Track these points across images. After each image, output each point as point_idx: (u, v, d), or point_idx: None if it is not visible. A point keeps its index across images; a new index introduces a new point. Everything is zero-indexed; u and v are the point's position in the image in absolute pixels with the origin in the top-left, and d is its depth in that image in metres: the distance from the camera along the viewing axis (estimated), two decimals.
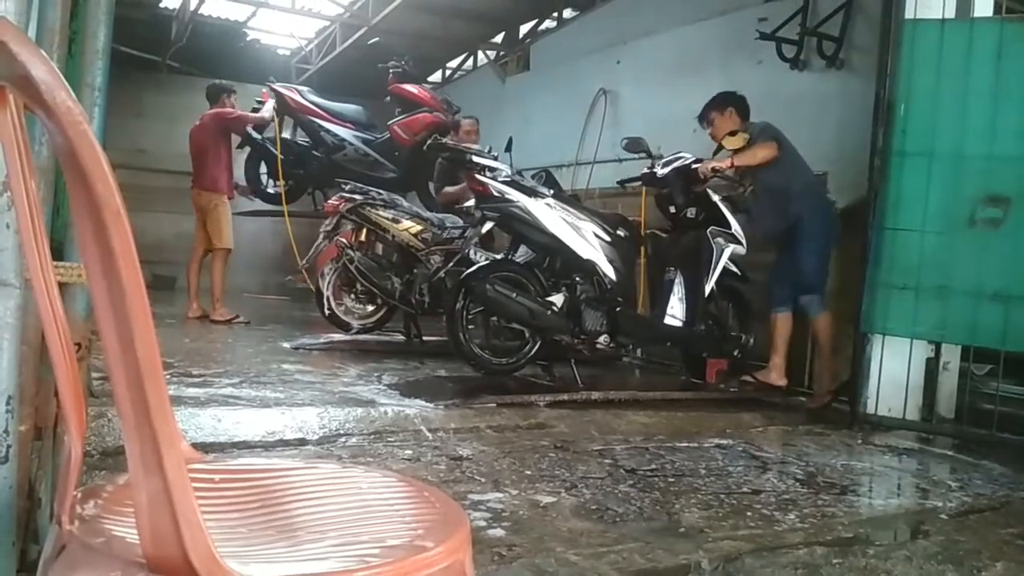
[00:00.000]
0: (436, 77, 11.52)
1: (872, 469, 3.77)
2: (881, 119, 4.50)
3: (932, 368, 4.54)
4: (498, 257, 5.34)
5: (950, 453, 4.15)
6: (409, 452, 3.35)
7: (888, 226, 4.48)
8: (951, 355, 4.57)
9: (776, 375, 4.95)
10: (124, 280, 0.72)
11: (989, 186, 4.27)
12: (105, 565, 0.86)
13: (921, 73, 4.41)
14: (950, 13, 4.40)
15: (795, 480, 3.35)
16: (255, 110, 7.27)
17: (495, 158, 5.10)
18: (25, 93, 0.78)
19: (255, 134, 7.35)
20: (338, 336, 6.21)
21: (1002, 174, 4.24)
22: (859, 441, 4.26)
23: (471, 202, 5.38)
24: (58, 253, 1.82)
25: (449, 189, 6.68)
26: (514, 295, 4.73)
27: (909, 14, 4.43)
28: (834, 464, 3.69)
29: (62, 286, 1.70)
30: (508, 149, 5.92)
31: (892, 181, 4.47)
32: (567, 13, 9.52)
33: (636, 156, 5.39)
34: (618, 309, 4.97)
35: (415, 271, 5.99)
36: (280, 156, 7.27)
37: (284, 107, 7.47)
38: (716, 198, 5.02)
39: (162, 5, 9.41)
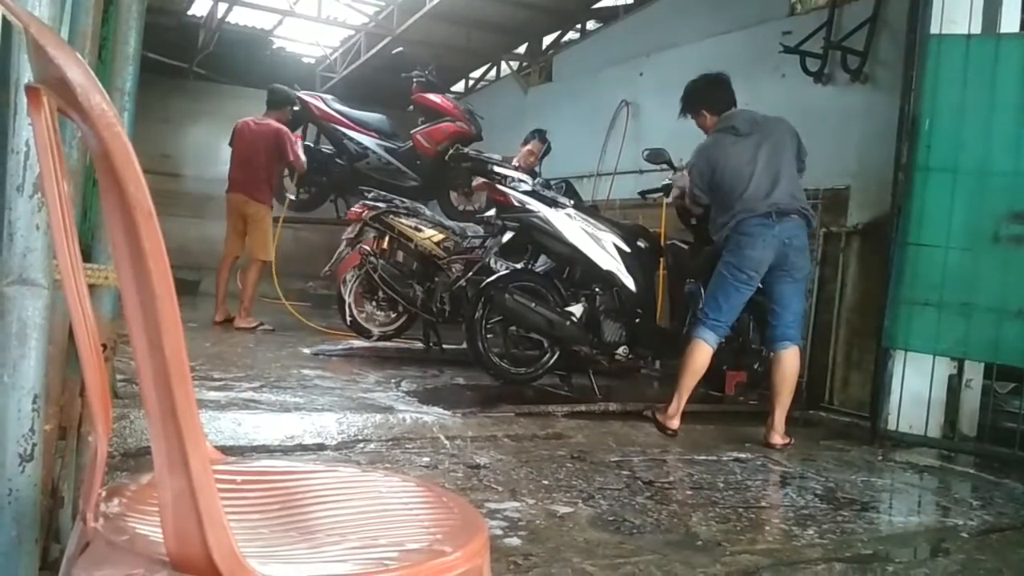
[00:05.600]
0: (459, 87, 11.57)
1: (892, 486, 3.73)
2: (905, 134, 4.47)
3: (954, 385, 4.49)
4: (518, 267, 5.34)
5: (971, 471, 4.11)
6: (427, 459, 3.36)
7: (911, 242, 4.45)
8: (974, 372, 4.51)
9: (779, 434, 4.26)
10: (154, 280, 0.73)
11: (1014, 203, 4.23)
12: (129, 562, 0.87)
13: (946, 88, 4.39)
14: (976, 29, 4.37)
15: (814, 495, 3.33)
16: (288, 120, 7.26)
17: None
18: (60, 95, 0.80)
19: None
20: (357, 343, 6.23)
21: None
22: (879, 457, 4.23)
23: (492, 211, 5.40)
24: (86, 255, 1.85)
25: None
26: (533, 305, 4.73)
27: (935, 29, 4.40)
28: (854, 480, 3.66)
29: (89, 288, 1.72)
30: (543, 157, 5.92)
31: (916, 196, 4.44)
32: (590, 25, 9.54)
33: (657, 167, 5.38)
34: (637, 320, 4.96)
35: (436, 279, 6.01)
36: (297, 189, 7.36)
37: (308, 115, 7.53)
38: None
39: (190, 13, 9.51)
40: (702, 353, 4.27)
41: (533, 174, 6.36)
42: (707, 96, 4.54)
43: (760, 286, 4.33)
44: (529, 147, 6.81)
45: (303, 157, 7.15)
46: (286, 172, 7.52)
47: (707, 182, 4.35)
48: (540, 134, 6.90)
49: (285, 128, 6.90)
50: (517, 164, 6.38)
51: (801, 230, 4.24)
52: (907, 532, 3.05)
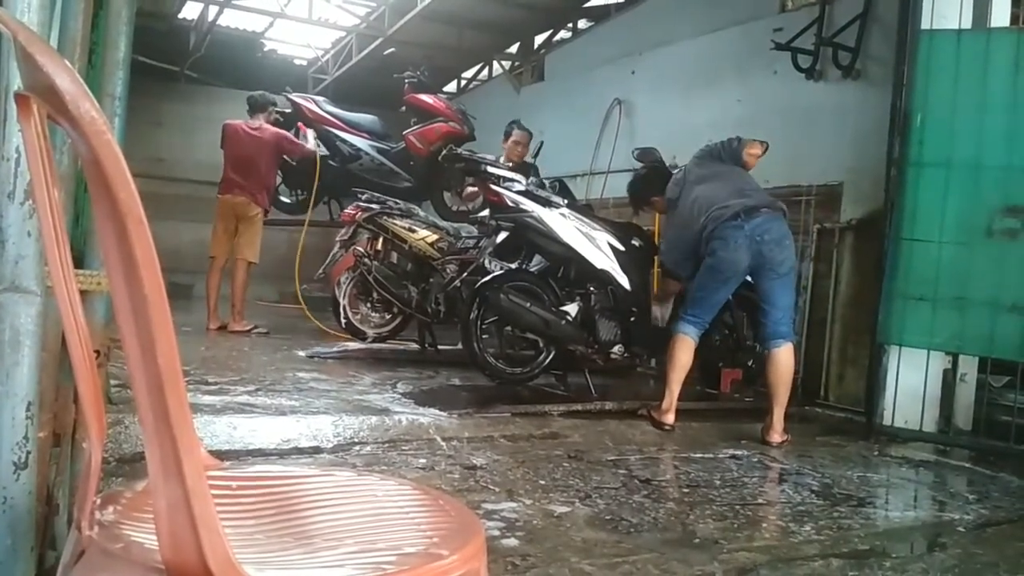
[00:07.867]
0: (451, 87, 11.55)
1: (889, 481, 3.74)
2: (898, 129, 4.48)
3: (949, 380, 4.50)
4: (513, 267, 5.34)
5: (967, 465, 4.11)
6: (423, 461, 3.35)
7: (905, 237, 4.46)
8: (968, 366, 4.52)
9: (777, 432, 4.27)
10: (146, 287, 0.73)
11: (1007, 197, 4.25)
12: (124, 570, 0.86)
13: (938, 83, 4.40)
14: (967, 23, 4.38)
15: (811, 491, 3.33)
16: (278, 122, 7.23)
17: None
18: (50, 103, 0.79)
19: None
20: (353, 345, 6.23)
21: (1020, 184, 4.22)
22: (875, 453, 4.23)
23: (486, 212, 5.39)
24: (78, 261, 1.84)
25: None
26: (528, 305, 4.73)
27: (925, 24, 4.42)
28: (850, 476, 3.67)
29: (82, 294, 1.72)
30: (536, 155, 5.88)
31: (909, 192, 4.45)
32: (582, 24, 9.53)
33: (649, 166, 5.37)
34: (632, 319, 4.96)
35: (431, 280, 6.01)
36: (317, 181, 7.35)
37: (301, 117, 7.52)
38: None
39: (181, 16, 9.49)
40: (684, 346, 4.38)
41: (527, 165, 6.32)
42: (647, 189, 5.02)
43: (749, 279, 4.37)
44: (514, 138, 6.61)
45: (310, 141, 7.16)
46: (280, 181, 7.49)
47: (690, 245, 4.49)
48: (517, 123, 6.78)
49: (282, 131, 6.91)
50: (504, 158, 6.31)
51: (773, 223, 4.28)
52: (904, 527, 3.06)
